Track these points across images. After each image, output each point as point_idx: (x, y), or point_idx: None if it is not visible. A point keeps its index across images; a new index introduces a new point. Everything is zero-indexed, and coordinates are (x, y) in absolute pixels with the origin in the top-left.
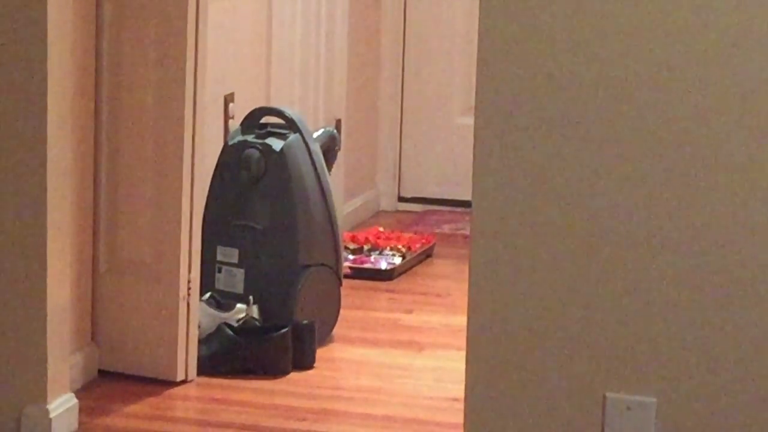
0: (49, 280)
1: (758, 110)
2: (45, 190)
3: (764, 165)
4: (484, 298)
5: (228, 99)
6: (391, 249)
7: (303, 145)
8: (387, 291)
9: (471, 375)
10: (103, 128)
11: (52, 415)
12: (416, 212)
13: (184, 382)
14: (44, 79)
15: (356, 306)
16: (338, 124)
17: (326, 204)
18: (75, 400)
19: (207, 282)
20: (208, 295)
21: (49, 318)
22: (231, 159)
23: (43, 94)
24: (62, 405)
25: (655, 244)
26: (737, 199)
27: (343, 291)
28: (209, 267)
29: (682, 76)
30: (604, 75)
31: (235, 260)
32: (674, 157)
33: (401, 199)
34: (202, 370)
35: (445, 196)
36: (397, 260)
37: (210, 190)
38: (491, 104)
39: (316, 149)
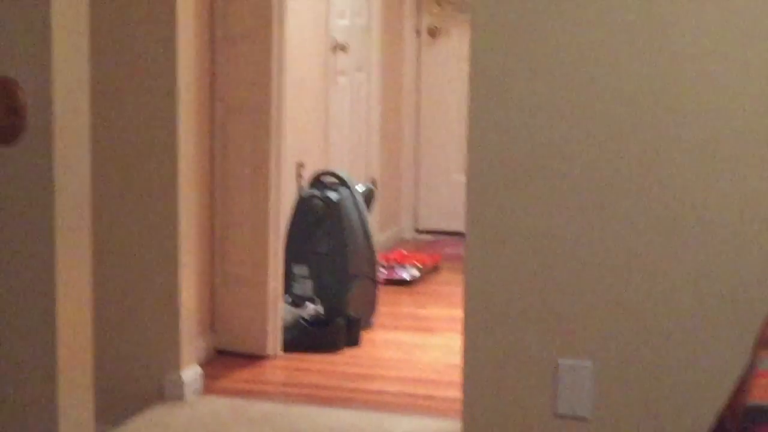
0: (181, 287)
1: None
2: (177, 227)
3: (685, 173)
4: (474, 296)
5: (299, 165)
6: (411, 265)
7: (351, 197)
8: (408, 294)
9: (466, 348)
10: (216, 181)
11: (184, 379)
12: (428, 240)
13: (273, 357)
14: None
15: (388, 304)
16: (374, 181)
17: (366, 235)
18: (200, 370)
19: (288, 288)
20: (288, 298)
21: (181, 313)
22: (303, 206)
23: (173, 120)
24: (191, 373)
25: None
26: (666, 198)
27: (379, 294)
28: (289, 278)
29: (654, 141)
30: (579, 138)
31: (306, 274)
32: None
33: (417, 231)
34: (285, 349)
35: (448, 229)
36: (416, 273)
37: (289, 227)
38: (478, 163)
39: (360, 199)
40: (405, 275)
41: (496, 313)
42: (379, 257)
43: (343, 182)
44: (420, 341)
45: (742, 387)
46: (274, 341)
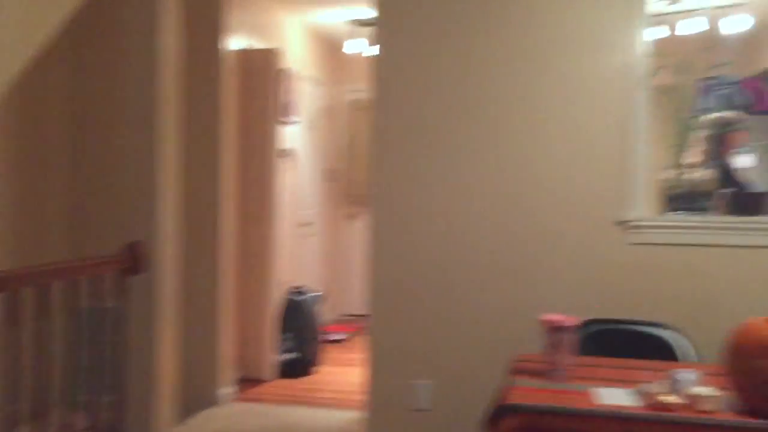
0: (221, 340)
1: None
2: (217, 300)
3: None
4: (374, 345)
5: (284, 281)
6: (343, 332)
7: (311, 298)
8: (341, 347)
9: (369, 373)
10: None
11: (224, 393)
12: (352, 319)
13: (270, 380)
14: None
15: (330, 352)
16: (323, 290)
17: (317, 317)
18: (233, 387)
19: (280, 344)
20: (281, 348)
21: (222, 354)
22: (288, 303)
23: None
24: (228, 389)
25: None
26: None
27: (324, 347)
28: (281, 339)
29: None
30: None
31: (290, 337)
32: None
33: (346, 315)
34: (278, 376)
35: (362, 312)
36: (344, 336)
37: (282, 313)
38: (376, 285)
39: (315, 299)
40: (339, 337)
41: (383, 354)
42: (326, 328)
43: (306, 291)
44: (346, 371)
45: (501, 394)
46: (271, 372)
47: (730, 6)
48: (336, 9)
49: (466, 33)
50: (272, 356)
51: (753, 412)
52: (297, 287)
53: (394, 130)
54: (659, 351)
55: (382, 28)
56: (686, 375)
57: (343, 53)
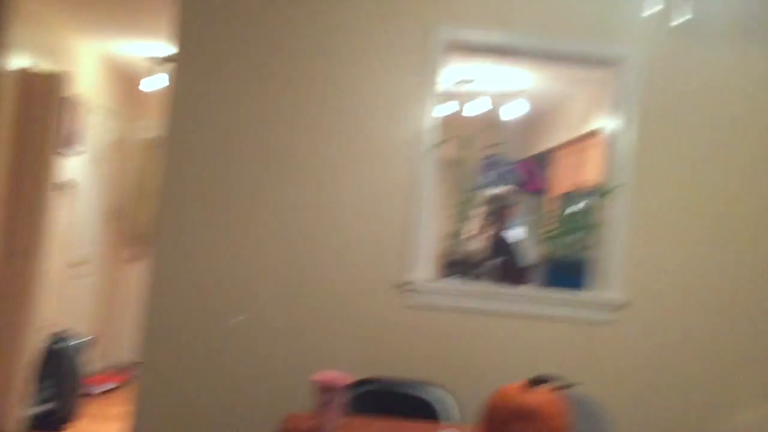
0: None
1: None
2: None
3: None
4: (143, 388)
5: (45, 327)
6: (112, 382)
7: (73, 346)
8: (108, 397)
9: (136, 417)
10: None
11: None
12: (123, 367)
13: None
14: None
15: (95, 403)
16: (93, 336)
17: (79, 367)
18: None
19: (36, 393)
20: (37, 398)
21: None
22: (49, 350)
23: None
24: None
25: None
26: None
27: (85, 399)
28: (39, 388)
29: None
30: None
31: (49, 386)
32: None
33: (114, 363)
34: (33, 427)
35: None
36: (113, 385)
37: (43, 360)
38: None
39: (78, 346)
40: (107, 388)
41: (152, 408)
42: (94, 377)
43: (70, 337)
44: (106, 427)
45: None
46: (18, 425)
47: (511, 93)
48: (136, 42)
49: (268, 81)
50: (21, 408)
51: None
52: (60, 332)
53: (186, 172)
54: (426, 411)
55: (181, 66)
56: None
57: (141, 88)
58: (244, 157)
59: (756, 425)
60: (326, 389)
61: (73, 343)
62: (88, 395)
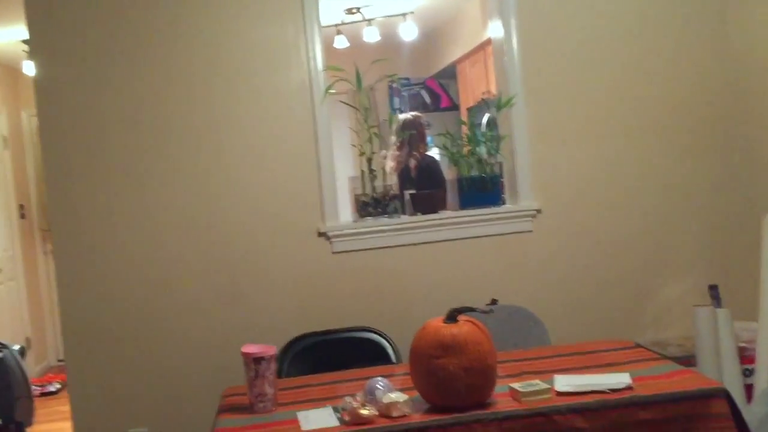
0: None
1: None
2: None
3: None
4: (74, 385)
5: None
6: (57, 381)
7: (11, 354)
8: (56, 398)
9: (74, 426)
10: None
11: None
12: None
13: None
14: None
15: (42, 407)
16: (27, 341)
17: (23, 373)
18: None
19: None
20: None
21: None
22: None
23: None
24: None
25: None
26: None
27: (35, 404)
28: None
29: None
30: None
31: None
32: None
33: (59, 360)
34: None
35: None
36: (59, 386)
37: None
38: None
39: (16, 353)
40: (52, 389)
41: (89, 404)
42: (36, 380)
43: (4, 345)
44: (64, 426)
45: None
46: None
47: (403, 14)
48: (10, 27)
49: (140, 53)
50: None
51: (435, 410)
52: None
53: (68, 156)
54: (364, 356)
55: (36, 47)
56: (379, 383)
57: (25, 75)
58: (130, 134)
59: (676, 303)
60: (255, 361)
61: (8, 350)
62: (38, 397)
